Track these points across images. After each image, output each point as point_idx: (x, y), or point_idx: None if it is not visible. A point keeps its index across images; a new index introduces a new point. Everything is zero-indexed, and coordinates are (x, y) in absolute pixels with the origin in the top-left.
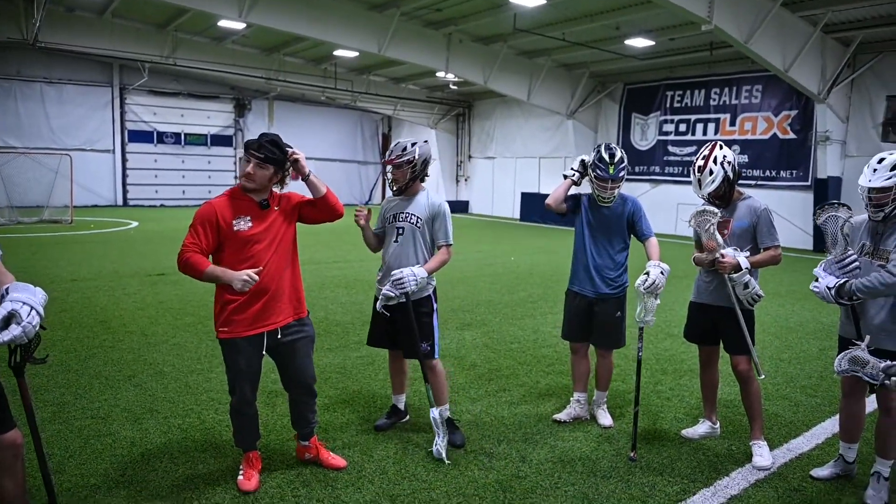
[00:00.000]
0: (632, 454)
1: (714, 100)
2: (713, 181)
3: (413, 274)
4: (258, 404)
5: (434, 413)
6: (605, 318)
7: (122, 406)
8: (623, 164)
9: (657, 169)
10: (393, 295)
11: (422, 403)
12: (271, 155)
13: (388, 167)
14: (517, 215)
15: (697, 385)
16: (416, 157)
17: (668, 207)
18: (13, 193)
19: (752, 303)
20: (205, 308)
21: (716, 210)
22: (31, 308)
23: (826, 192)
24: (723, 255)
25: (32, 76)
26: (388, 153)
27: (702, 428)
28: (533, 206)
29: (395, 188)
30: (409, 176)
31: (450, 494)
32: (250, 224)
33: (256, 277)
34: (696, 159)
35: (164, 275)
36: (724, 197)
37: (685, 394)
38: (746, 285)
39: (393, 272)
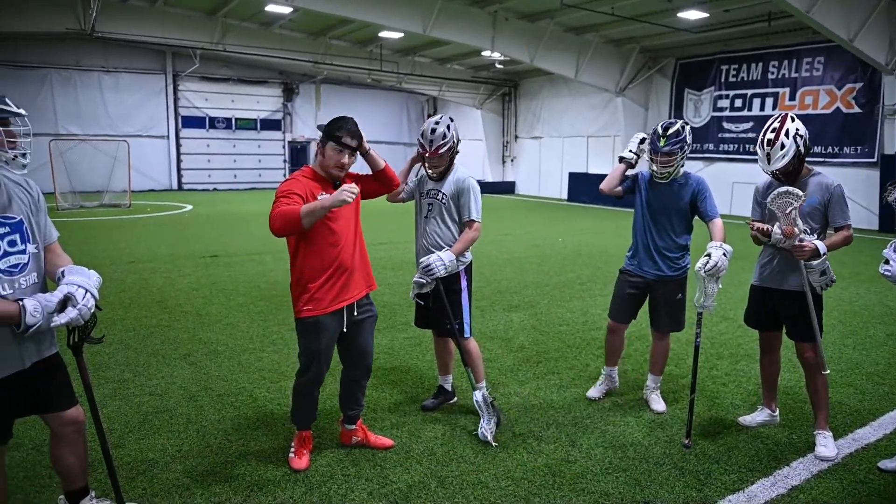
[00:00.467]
0: (686, 441)
1: (772, 73)
2: (784, 156)
3: (440, 259)
4: None
5: (477, 396)
6: (665, 301)
7: (178, 384)
8: (677, 139)
9: (711, 146)
10: (424, 282)
11: (468, 385)
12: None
13: (432, 159)
14: (565, 196)
15: (755, 370)
16: (455, 139)
17: (723, 186)
18: (75, 179)
19: (824, 288)
20: (256, 289)
21: (800, 193)
22: (86, 291)
23: (893, 169)
24: (802, 241)
25: (90, 65)
26: (427, 144)
27: (760, 415)
28: (581, 186)
29: (435, 175)
30: (448, 159)
31: (498, 477)
32: None
33: (356, 189)
34: (765, 132)
35: (217, 256)
36: (792, 173)
37: (742, 379)
38: (824, 272)
39: (420, 260)
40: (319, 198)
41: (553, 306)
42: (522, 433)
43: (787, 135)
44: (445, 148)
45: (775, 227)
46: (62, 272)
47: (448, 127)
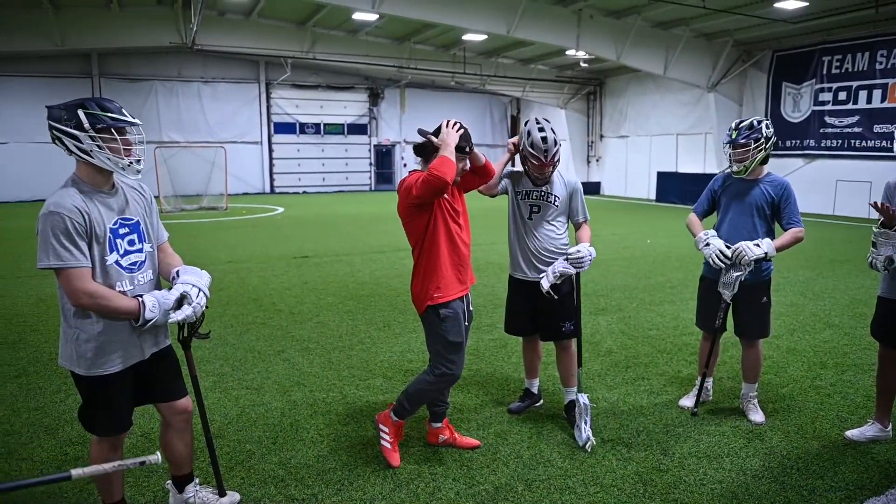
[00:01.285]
0: (694, 409)
1: (881, 63)
2: None
3: (591, 254)
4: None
5: (585, 399)
6: (749, 306)
7: (273, 379)
8: (750, 130)
9: (812, 143)
10: (571, 272)
11: (555, 388)
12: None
13: (546, 168)
14: (653, 196)
15: (863, 381)
16: (560, 143)
17: (826, 185)
18: (177, 183)
19: None
20: (345, 289)
21: None
22: (200, 290)
23: None
24: None
25: (190, 76)
26: (542, 155)
27: (870, 430)
28: (670, 185)
29: (541, 181)
30: (557, 164)
31: (586, 483)
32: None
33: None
34: None
35: (308, 257)
36: None
37: (849, 391)
38: None
39: (571, 250)
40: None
41: (642, 310)
42: (612, 439)
43: None
44: (559, 155)
45: None
46: (177, 272)
47: (553, 130)
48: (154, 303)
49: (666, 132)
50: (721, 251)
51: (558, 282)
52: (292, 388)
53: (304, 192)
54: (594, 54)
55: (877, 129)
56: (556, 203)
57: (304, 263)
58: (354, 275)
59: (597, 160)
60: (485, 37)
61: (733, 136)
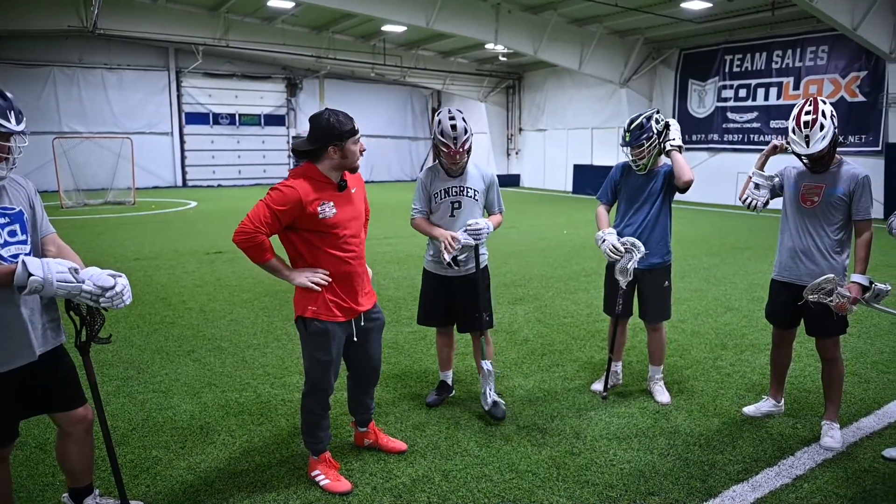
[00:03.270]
0: (604, 394)
1: (776, 63)
2: (823, 137)
3: (488, 225)
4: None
5: (486, 364)
6: (652, 290)
7: (182, 380)
8: (641, 131)
9: (715, 137)
10: (471, 243)
11: (471, 379)
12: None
13: (456, 157)
14: (570, 188)
15: (759, 360)
16: (469, 127)
17: (727, 177)
18: (80, 177)
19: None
20: (261, 285)
21: (831, 277)
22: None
23: None
24: (846, 301)
25: (93, 63)
26: (451, 142)
27: (765, 405)
28: (586, 178)
29: (456, 171)
30: (468, 153)
31: (502, 470)
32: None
33: (325, 281)
34: (799, 115)
35: (222, 252)
36: (824, 160)
37: (746, 370)
38: (878, 294)
39: (470, 221)
40: (321, 209)
41: (558, 298)
42: (527, 426)
43: (824, 115)
44: (469, 143)
45: (831, 301)
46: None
47: (464, 119)
48: (38, 264)
49: (582, 126)
50: (614, 245)
51: (460, 255)
52: (203, 390)
53: (219, 186)
54: (512, 48)
55: (773, 124)
56: (476, 197)
57: (217, 259)
58: None
59: (516, 153)
60: (404, 28)
61: (627, 140)
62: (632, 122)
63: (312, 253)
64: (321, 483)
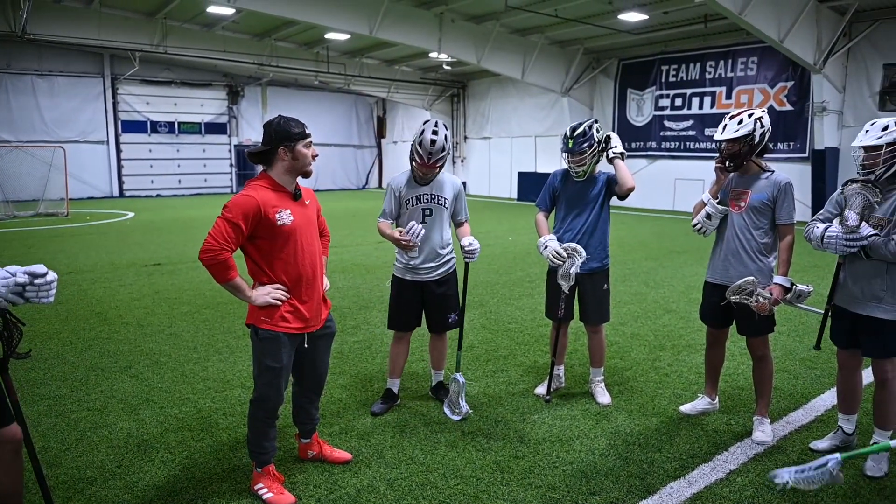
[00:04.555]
0: (547, 397)
1: (710, 73)
2: (737, 130)
3: (478, 246)
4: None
5: (460, 377)
6: (593, 293)
7: (118, 397)
8: (584, 138)
9: (654, 144)
10: (473, 259)
11: (416, 385)
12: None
13: (427, 169)
14: (514, 195)
15: (696, 360)
16: (449, 145)
17: (666, 183)
18: (8, 188)
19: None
20: (201, 297)
21: (751, 279)
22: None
23: (823, 163)
24: (767, 301)
25: (23, 69)
26: (426, 156)
27: (700, 403)
28: (530, 185)
29: (428, 181)
30: (440, 169)
31: (447, 476)
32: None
33: (284, 297)
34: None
35: (160, 265)
36: (737, 156)
37: (683, 369)
38: (800, 294)
39: (464, 241)
40: (279, 217)
41: (502, 305)
42: (472, 431)
43: (749, 116)
44: (443, 161)
45: (751, 302)
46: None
47: (446, 137)
48: None
49: (525, 134)
50: (556, 251)
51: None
52: (140, 406)
53: (158, 196)
54: (456, 57)
55: (707, 132)
56: (445, 205)
57: (155, 272)
58: (211, 282)
59: (461, 160)
60: (348, 36)
61: (570, 146)
62: (574, 129)
63: (269, 262)
64: (264, 497)
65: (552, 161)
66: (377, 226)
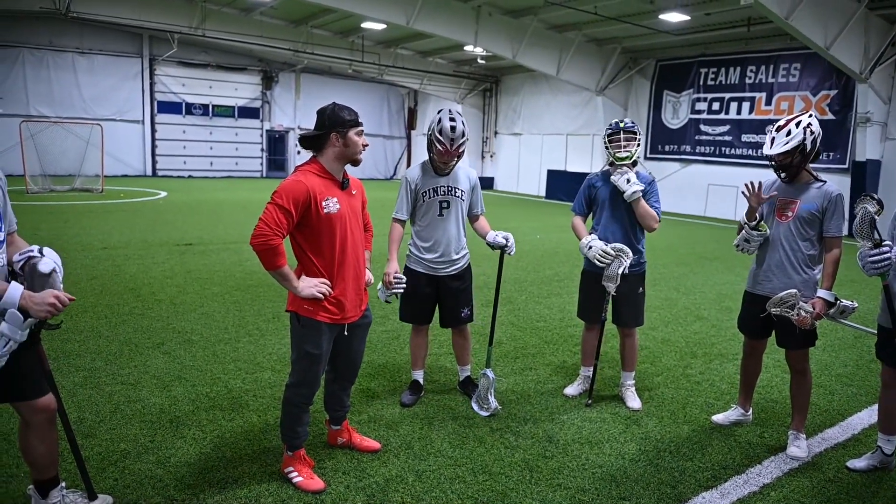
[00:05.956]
0: (588, 401)
1: (750, 78)
2: (787, 143)
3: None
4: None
5: (490, 373)
6: (627, 296)
7: (151, 373)
8: (633, 124)
9: (688, 148)
10: (512, 252)
11: (444, 378)
12: None
13: (448, 157)
14: (543, 193)
15: (728, 370)
16: (468, 131)
17: (699, 188)
18: (46, 162)
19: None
20: (232, 279)
21: (794, 292)
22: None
23: (864, 176)
24: (810, 315)
25: (64, 46)
26: (448, 143)
27: (734, 414)
28: (559, 183)
29: (447, 171)
30: (460, 157)
31: (475, 472)
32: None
33: (329, 291)
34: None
35: (192, 245)
36: (792, 168)
37: (715, 378)
38: (843, 311)
39: (499, 239)
40: (325, 204)
41: (531, 302)
42: (500, 428)
43: (797, 125)
44: (464, 147)
45: (792, 316)
46: (39, 249)
47: (463, 123)
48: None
49: (557, 132)
50: (603, 250)
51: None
52: (173, 383)
53: (190, 177)
54: (491, 51)
55: (744, 138)
56: (463, 197)
57: (187, 251)
58: (242, 264)
59: (491, 156)
60: (384, 26)
61: (622, 125)
62: (620, 119)
63: (314, 248)
64: (294, 480)
65: (583, 160)
66: (391, 226)
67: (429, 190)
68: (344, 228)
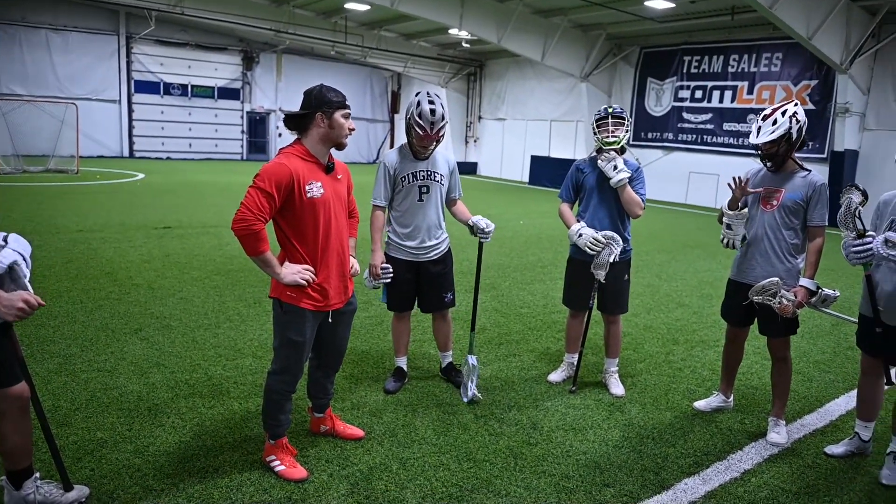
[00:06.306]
0: (573, 388)
1: (732, 66)
2: (773, 132)
3: (493, 227)
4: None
5: (472, 360)
6: (613, 283)
7: (128, 360)
8: (622, 111)
9: (670, 136)
10: (488, 240)
11: (427, 364)
12: None
13: (428, 141)
14: (526, 178)
15: (709, 357)
16: (447, 114)
17: (680, 176)
18: (19, 142)
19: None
20: (211, 263)
21: (776, 280)
22: (25, 260)
23: (842, 166)
24: (790, 304)
25: (37, 22)
26: (429, 126)
27: (715, 401)
28: (542, 169)
29: (427, 155)
30: (440, 141)
31: (460, 459)
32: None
33: (312, 277)
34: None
35: (171, 228)
36: (776, 156)
37: (696, 365)
38: (825, 299)
39: (483, 223)
40: (309, 188)
41: (515, 288)
42: (484, 415)
43: (783, 114)
44: (444, 131)
45: (774, 304)
46: (4, 236)
47: (443, 106)
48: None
49: (541, 118)
50: (594, 238)
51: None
52: (151, 370)
53: (168, 158)
54: (476, 35)
55: (726, 126)
56: (442, 181)
57: (165, 235)
58: (222, 248)
59: (474, 141)
60: (368, 7)
61: (610, 111)
62: (611, 106)
63: (296, 233)
64: (276, 469)
65: (566, 146)
66: (371, 214)
67: (408, 175)
68: (328, 214)
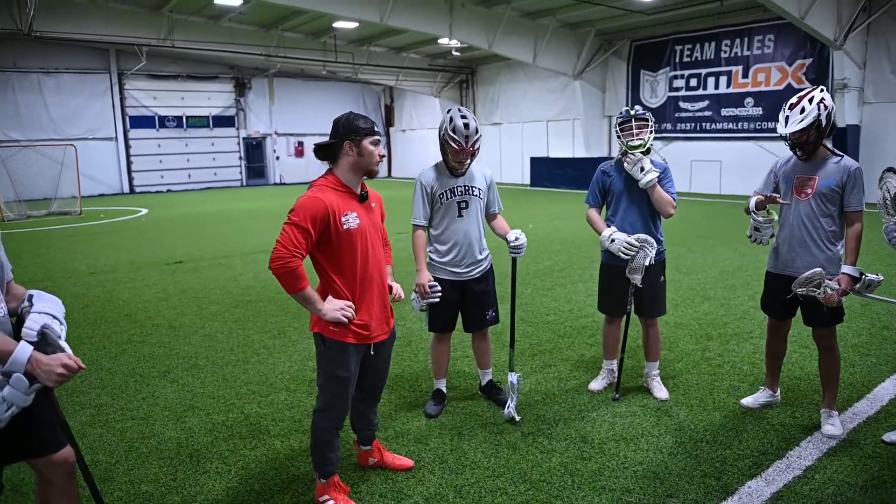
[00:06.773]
0: (616, 395)
1: (725, 52)
2: (802, 120)
3: (525, 238)
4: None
5: (513, 378)
6: (649, 286)
7: (161, 404)
8: (645, 111)
9: (668, 126)
10: (519, 254)
11: (465, 384)
12: None
13: (465, 155)
14: (527, 181)
15: (746, 350)
16: (481, 134)
17: (682, 165)
18: (20, 187)
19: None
20: (229, 295)
21: (819, 271)
22: (60, 323)
23: (845, 141)
24: (836, 293)
25: (29, 67)
26: (463, 140)
27: (762, 396)
28: (543, 170)
29: (463, 171)
30: (475, 155)
31: (515, 481)
32: None
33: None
34: (793, 98)
35: (182, 262)
36: (808, 146)
37: (735, 359)
38: (869, 284)
39: (510, 237)
40: (345, 220)
41: (537, 296)
42: (532, 432)
43: (810, 101)
44: (479, 143)
45: (819, 294)
46: (29, 296)
47: (475, 120)
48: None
49: (536, 119)
50: (628, 242)
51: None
52: (186, 413)
53: (169, 191)
54: (467, 43)
55: (724, 112)
56: (481, 196)
57: (178, 269)
58: (237, 279)
59: None
60: (356, 24)
61: (633, 113)
62: (632, 106)
63: (335, 266)
64: None
65: (564, 145)
66: (413, 234)
67: (446, 191)
68: (365, 244)
